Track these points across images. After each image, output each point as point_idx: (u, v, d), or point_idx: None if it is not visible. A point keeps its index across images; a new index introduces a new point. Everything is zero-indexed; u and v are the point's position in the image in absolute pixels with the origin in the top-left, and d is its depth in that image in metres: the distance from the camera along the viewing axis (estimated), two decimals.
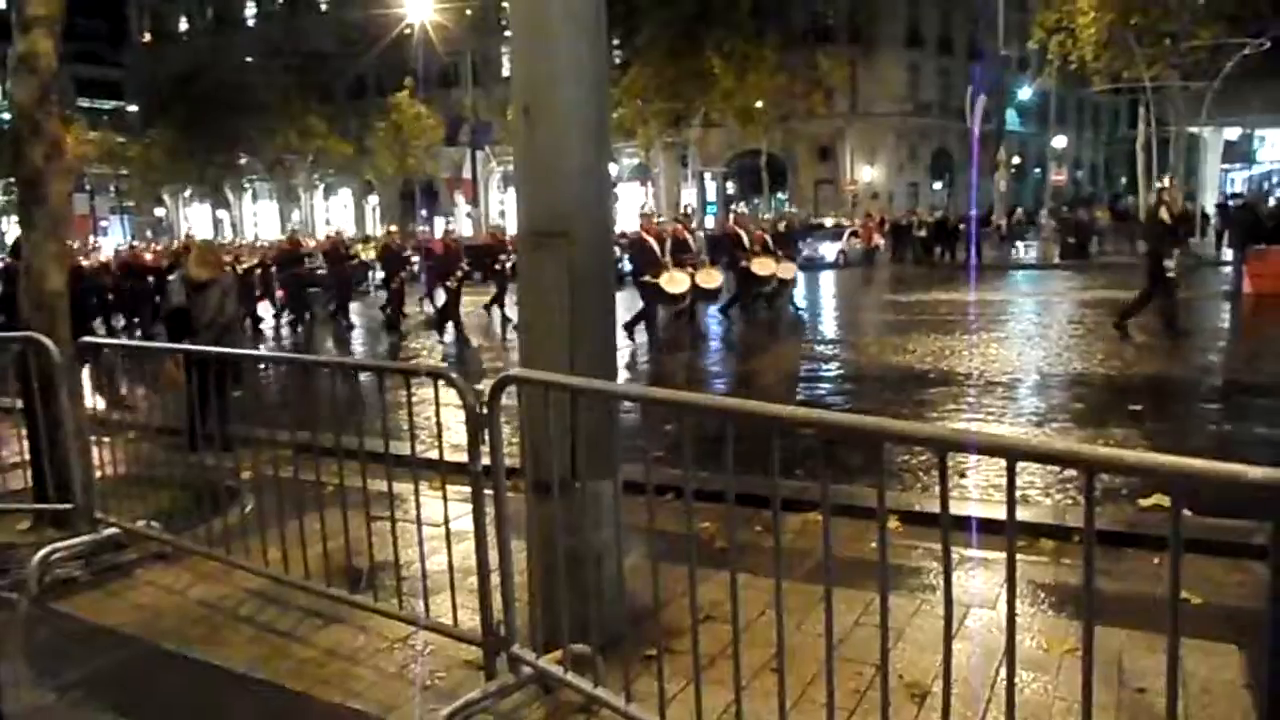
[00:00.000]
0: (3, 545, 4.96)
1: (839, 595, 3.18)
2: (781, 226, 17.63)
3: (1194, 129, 30.71)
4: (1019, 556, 4.28)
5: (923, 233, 31.04)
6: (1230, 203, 28.41)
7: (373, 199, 55.61)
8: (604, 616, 3.12)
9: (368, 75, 49.29)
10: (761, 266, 15.51)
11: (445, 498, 3.46)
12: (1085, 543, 1.87)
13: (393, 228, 24.57)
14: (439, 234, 24.82)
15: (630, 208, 42.70)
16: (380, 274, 20.84)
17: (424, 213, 44.25)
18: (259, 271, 19.56)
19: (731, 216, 18.84)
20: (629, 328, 13.58)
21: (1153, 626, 3.37)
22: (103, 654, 3.77)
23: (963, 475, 6.00)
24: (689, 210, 17.93)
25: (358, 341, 17.01)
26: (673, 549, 2.87)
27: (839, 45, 43.93)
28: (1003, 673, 2.24)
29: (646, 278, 13.32)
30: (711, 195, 48.38)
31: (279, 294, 19.52)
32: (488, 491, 3.16)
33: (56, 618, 4.18)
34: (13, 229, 40.73)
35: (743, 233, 15.84)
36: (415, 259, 22.71)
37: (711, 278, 14.44)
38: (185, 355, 5.19)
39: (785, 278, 16.15)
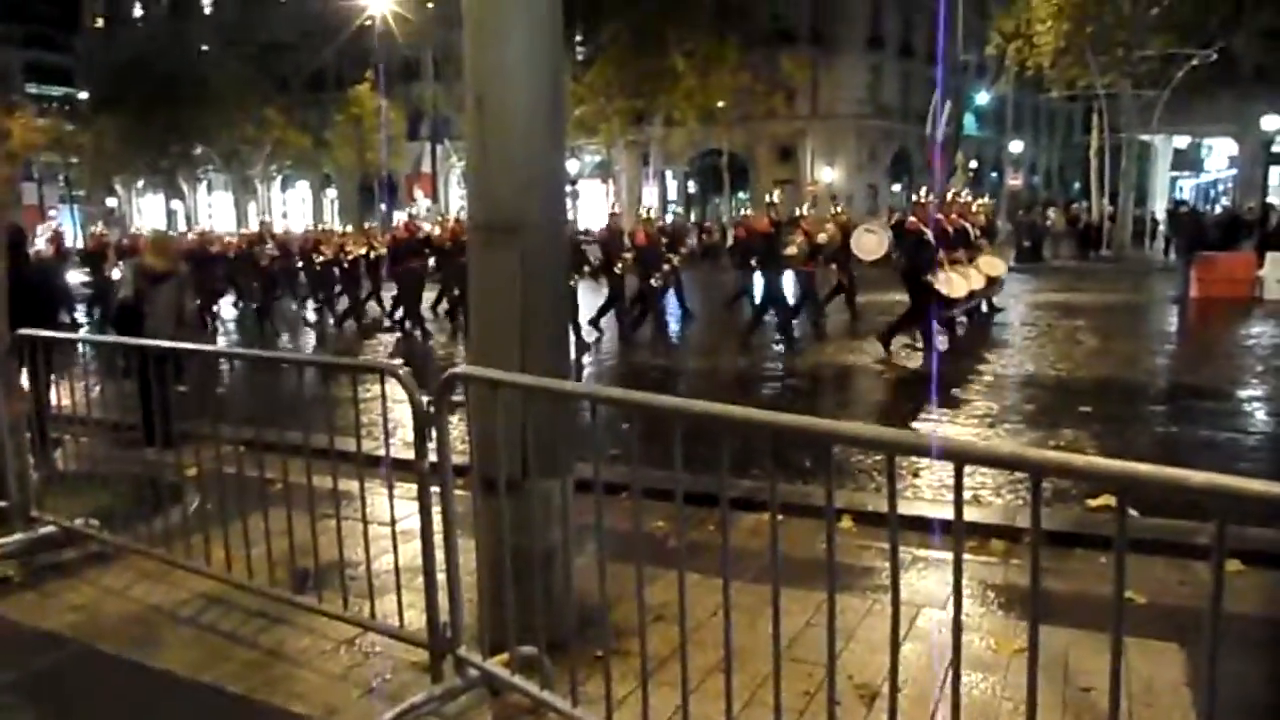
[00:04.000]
0: None
1: (793, 596, 3.17)
2: (982, 220, 14.26)
3: (1145, 136, 31.39)
4: (971, 558, 4.35)
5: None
6: (1180, 209, 29.04)
7: (331, 192, 54.87)
8: (552, 617, 3.08)
9: (326, 68, 48.57)
10: (990, 267, 12.51)
11: (392, 496, 3.39)
12: (1032, 546, 1.87)
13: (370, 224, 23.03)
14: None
15: (591, 205, 42.59)
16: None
17: (384, 207, 43.71)
18: (368, 261, 16.70)
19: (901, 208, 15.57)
20: (887, 336, 11.30)
21: (1099, 626, 3.40)
22: (38, 657, 3.65)
23: (916, 475, 6.04)
24: (958, 193, 14.11)
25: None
26: (625, 548, 2.83)
27: (801, 46, 44.14)
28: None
29: (926, 277, 10.84)
30: (673, 194, 48.41)
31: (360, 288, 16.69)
32: (435, 490, 3.11)
33: None
34: None
35: (951, 228, 11.93)
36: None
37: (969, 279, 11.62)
38: (129, 350, 5.06)
39: (995, 275, 13.25)
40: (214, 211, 57.05)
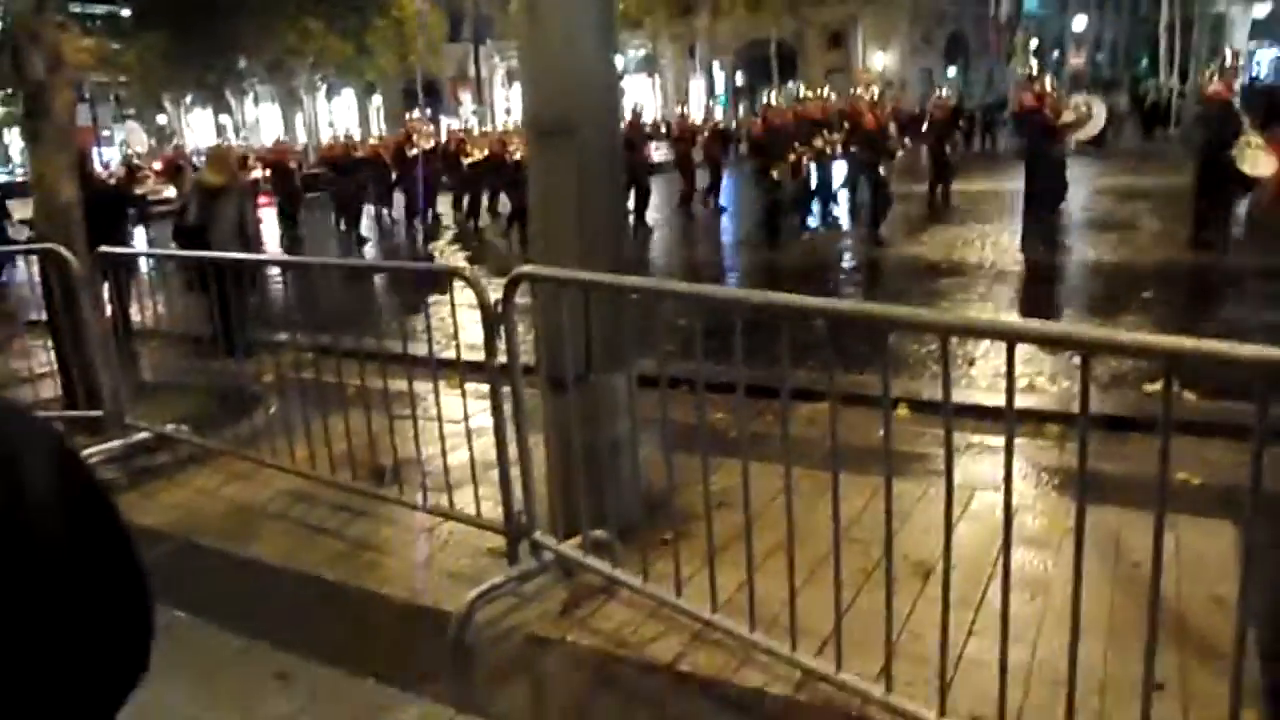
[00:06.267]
0: None
1: (850, 481, 3.28)
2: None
3: (1220, 8, 29.68)
4: (1026, 441, 4.43)
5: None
6: (1253, 84, 27.61)
7: (376, 99, 54.59)
8: (621, 504, 3.25)
9: None
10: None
11: (464, 395, 3.56)
12: (1080, 422, 1.95)
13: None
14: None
15: (637, 101, 41.76)
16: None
17: (428, 111, 43.41)
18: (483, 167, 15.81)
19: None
20: (1213, 235, 9.94)
21: (1151, 506, 3.47)
22: (142, 550, 3.94)
23: (971, 364, 6.07)
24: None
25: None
26: (686, 439, 2.96)
27: None
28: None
29: (1230, 153, 9.45)
30: (720, 86, 47.27)
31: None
32: (505, 388, 3.26)
33: None
34: (15, 141, 40.35)
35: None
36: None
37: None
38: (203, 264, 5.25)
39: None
40: (262, 123, 57.18)
